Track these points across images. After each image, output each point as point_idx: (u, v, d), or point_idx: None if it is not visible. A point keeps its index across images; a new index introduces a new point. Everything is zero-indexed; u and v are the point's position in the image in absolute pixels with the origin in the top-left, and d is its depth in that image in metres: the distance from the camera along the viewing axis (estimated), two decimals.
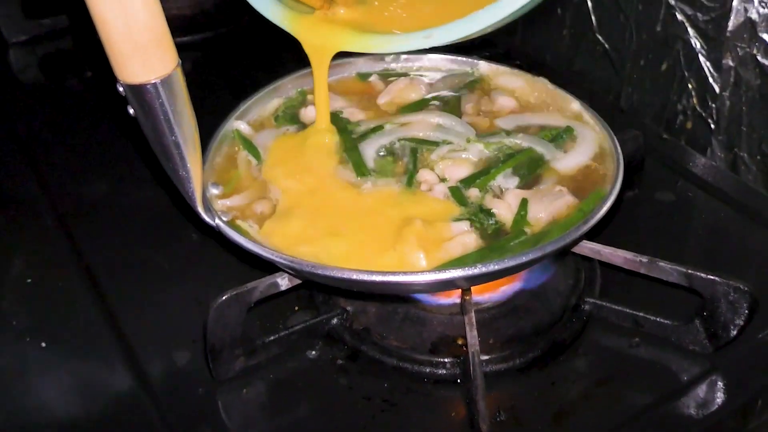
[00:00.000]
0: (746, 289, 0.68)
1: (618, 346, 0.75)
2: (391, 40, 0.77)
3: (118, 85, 0.61)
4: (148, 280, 0.84)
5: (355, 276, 0.64)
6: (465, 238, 0.70)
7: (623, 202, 0.86)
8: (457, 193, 0.75)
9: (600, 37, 1.18)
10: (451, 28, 0.73)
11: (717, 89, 1.02)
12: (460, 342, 0.74)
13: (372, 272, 0.64)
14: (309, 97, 0.90)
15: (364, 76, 0.93)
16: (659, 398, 0.70)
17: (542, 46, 1.29)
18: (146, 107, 0.62)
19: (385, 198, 0.75)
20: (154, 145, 0.65)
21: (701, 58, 1.03)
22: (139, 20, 0.57)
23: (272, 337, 0.73)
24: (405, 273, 0.64)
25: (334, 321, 0.77)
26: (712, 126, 1.05)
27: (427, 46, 0.75)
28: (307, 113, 0.87)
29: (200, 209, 0.69)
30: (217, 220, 0.70)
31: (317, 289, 0.79)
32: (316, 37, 0.80)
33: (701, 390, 0.71)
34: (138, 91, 0.61)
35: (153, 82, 0.60)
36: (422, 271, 0.65)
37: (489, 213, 0.73)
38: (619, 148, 0.76)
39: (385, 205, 0.74)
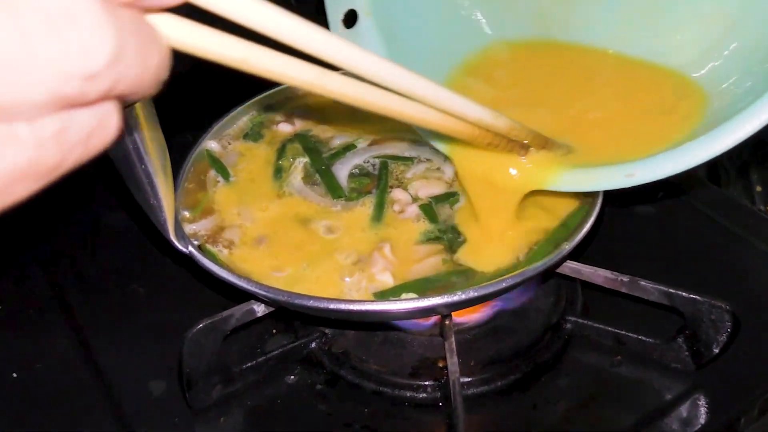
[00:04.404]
0: (728, 307, 0.67)
1: (600, 364, 0.74)
2: (590, 176, 0.67)
3: None
4: (122, 306, 0.82)
5: (332, 305, 0.63)
6: (433, 260, 0.69)
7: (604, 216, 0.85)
8: (428, 210, 0.74)
9: None
10: (655, 164, 0.63)
11: None
12: (441, 364, 0.73)
13: (349, 301, 0.63)
14: (276, 116, 0.89)
15: None
16: (642, 418, 0.69)
17: None
18: None
19: (355, 221, 0.74)
20: (123, 175, 0.64)
21: None
22: None
23: (249, 364, 0.72)
24: (382, 302, 0.63)
25: (313, 345, 0.75)
26: None
27: (629, 185, 0.65)
28: (278, 129, 0.86)
29: (173, 237, 0.68)
30: (190, 248, 0.68)
31: (294, 314, 0.77)
32: (508, 178, 0.68)
33: (685, 408, 0.70)
34: None
35: None
36: (400, 300, 0.64)
37: (458, 231, 0.72)
38: None
39: (355, 227, 0.73)
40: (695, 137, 0.61)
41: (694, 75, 0.74)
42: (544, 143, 0.67)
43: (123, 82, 0.29)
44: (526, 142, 0.65)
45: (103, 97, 0.29)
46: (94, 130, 0.30)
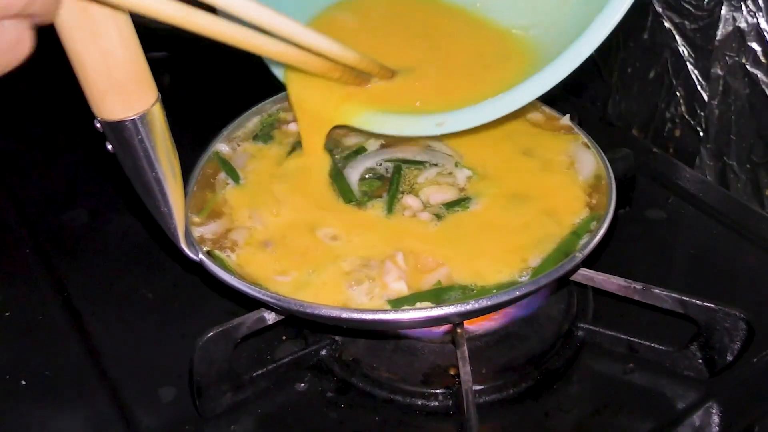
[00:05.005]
0: (742, 316, 0.67)
1: (612, 372, 0.73)
2: (401, 123, 0.72)
3: (95, 122, 0.59)
4: (131, 312, 0.81)
5: (344, 314, 0.62)
6: (445, 269, 0.68)
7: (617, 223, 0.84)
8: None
9: None
10: (464, 115, 0.69)
11: (705, 98, 1.01)
12: (452, 372, 0.72)
13: (362, 310, 0.63)
14: (287, 115, 0.88)
15: None
16: (656, 426, 0.69)
17: None
18: (125, 144, 0.60)
19: (367, 226, 0.73)
20: (134, 182, 0.64)
21: (689, 67, 1.02)
22: (116, 56, 0.55)
23: (260, 371, 0.72)
24: (395, 311, 0.63)
25: (323, 352, 0.75)
26: (701, 134, 1.04)
27: (437, 133, 0.71)
28: (288, 129, 0.86)
29: (183, 245, 0.67)
30: (200, 255, 0.68)
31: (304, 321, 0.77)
32: (316, 103, 0.75)
33: (698, 417, 0.69)
34: (116, 127, 0.59)
35: (132, 118, 0.58)
36: (413, 309, 0.63)
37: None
38: (611, 172, 0.75)
39: (366, 233, 0.72)
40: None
41: (532, 34, 0.78)
42: (390, 75, 0.75)
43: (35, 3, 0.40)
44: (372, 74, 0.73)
45: (20, 14, 0.40)
46: (15, 43, 0.41)
